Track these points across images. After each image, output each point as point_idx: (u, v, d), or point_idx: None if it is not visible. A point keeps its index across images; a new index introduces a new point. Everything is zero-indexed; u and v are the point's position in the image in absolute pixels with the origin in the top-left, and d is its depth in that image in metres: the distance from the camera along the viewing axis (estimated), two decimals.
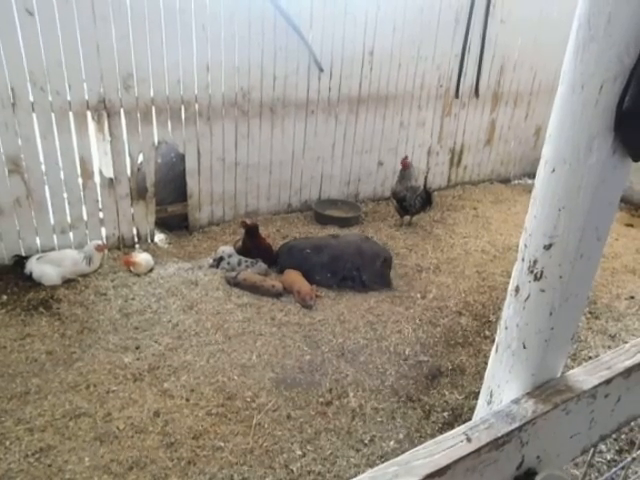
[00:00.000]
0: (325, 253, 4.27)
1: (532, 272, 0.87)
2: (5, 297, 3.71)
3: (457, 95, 6.28)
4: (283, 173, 5.45)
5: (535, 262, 0.86)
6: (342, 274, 4.20)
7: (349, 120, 5.64)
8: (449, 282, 4.40)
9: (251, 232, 4.39)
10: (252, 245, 4.39)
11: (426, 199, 5.37)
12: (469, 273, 4.58)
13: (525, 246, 0.88)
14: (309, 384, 3.09)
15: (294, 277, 4.14)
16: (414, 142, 6.26)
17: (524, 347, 0.90)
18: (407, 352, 3.44)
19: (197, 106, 4.60)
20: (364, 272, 4.18)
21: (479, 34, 6.08)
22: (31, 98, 3.81)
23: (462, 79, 6.21)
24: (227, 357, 3.27)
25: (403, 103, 5.93)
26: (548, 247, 0.84)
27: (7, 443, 2.54)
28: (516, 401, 0.87)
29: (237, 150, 5.03)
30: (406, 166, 5.42)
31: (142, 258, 4.21)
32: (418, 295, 4.16)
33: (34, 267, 3.88)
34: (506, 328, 0.93)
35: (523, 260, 0.89)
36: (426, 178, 6.43)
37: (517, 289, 0.90)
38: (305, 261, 4.28)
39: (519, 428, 0.82)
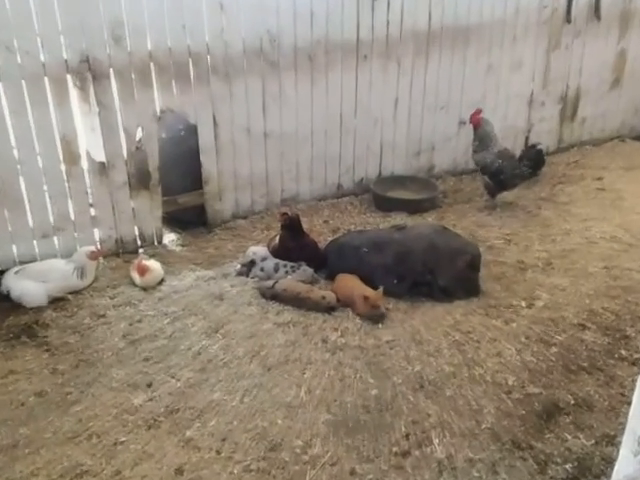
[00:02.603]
0: (388, 251, 4.28)
1: None
2: None
3: (568, 19, 6.17)
4: (329, 144, 5.51)
5: None
6: (412, 278, 4.22)
7: (416, 66, 5.64)
8: (565, 284, 4.33)
9: (292, 227, 4.45)
10: (294, 244, 4.46)
11: (536, 162, 5.33)
12: (594, 270, 4.50)
13: None
14: (378, 428, 3.11)
15: (351, 283, 4.18)
16: (508, 91, 6.20)
17: None
18: (510, 382, 3.42)
19: (210, 59, 4.71)
20: (441, 275, 4.19)
21: None
22: None
23: None
24: (267, 394, 3.33)
25: (491, 37, 5.88)
26: None
27: None
28: None
29: (266, 116, 5.12)
30: (478, 123, 5.37)
31: (151, 265, 4.36)
32: (522, 303, 4.12)
33: (11, 284, 4.07)
34: None
35: None
36: (527, 140, 6.36)
37: None
38: (361, 263, 4.30)
39: None
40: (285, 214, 4.44)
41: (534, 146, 5.44)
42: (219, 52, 4.72)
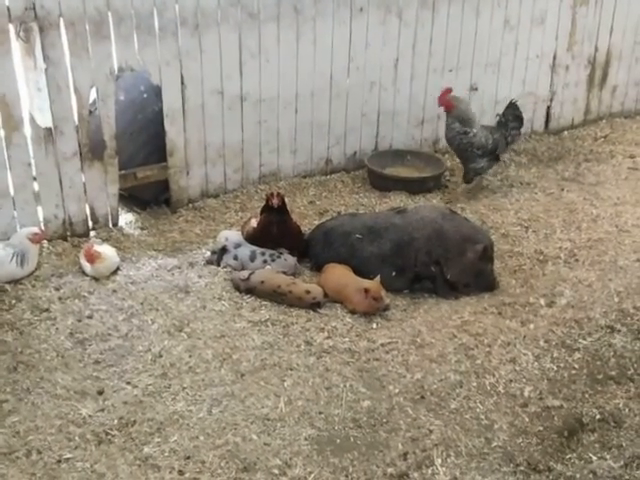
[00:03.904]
0: (386, 239, 4.27)
1: None
2: None
3: None
4: (317, 111, 5.47)
5: None
6: (414, 271, 4.21)
7: (421, 19, 5.60)
8: (592, 279, 4.34)
9: (280, 210, 4.41)
10: (279, 230, 4.42)
11: (520, 119, 5.52)
12: (625, 263, 4.51)
13: None
14: (370, 446, 3.10)
15: (342, 275, 4.16)
16: (527, 51, 6.19)
17: None
18: (527, 393, 3.41)
19: (177, 8, 4.65)
20: (449, 267, 4.18)
21: None
22: None
23: None
24: (240, 405, 3.30)
25: None
26: None
27: None
28: None
29: (243, 77, 5.07)
30: (449, 105, 5.30)
31: (103, 251, 4.30)
32: (542, 301, 4.12)
33: None
34: None
35: None
36: (549, 110, 6.36)
37: None
38: (354, 252, 4.28)
39: None
40: (278, 195, 4.39)
41: (511, 103, 5.50)
42: (189, 1, 4.67)
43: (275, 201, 4.35)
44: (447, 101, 5.31)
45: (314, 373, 3.52)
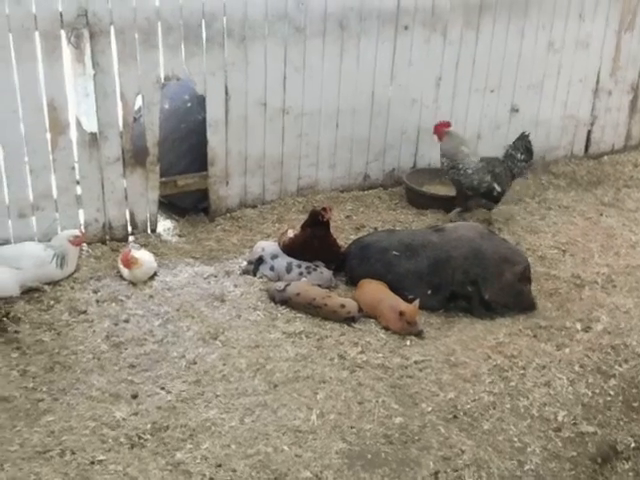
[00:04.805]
0: (423, 257, 4.25)
1: None
2: None
3: None
4: (357, 126, 5.49)
5: None
6: (450, 289, 4.19)
7: (465, 40, 5.61)
8: (629, 305, 4.30)
9: (324, 225, 4.42)
10: (320, 244, 4.43)
11: (530, 152, 5.33)
12: None
13: None
14: (401, 463, 3.07)
15: (378, 291, 4.15)
16: (570, 74, 6.16)
17: None
18: (560, 418, 3.37)
19: (225, 20, 4.70)
20: (486, 287, 4.15)
21: None
22: None
23: None
24: (272, 415, 3.30)
25: (554, 9, 5.85)
26: None
27: None
28: None
29: (286, 90, 5.10)
30: (440, 134, 5.20)
31: (140, 257, 4.34)
32: (577, 325, 4.08)
33: None
34: None
35: None
36: (589, 135, 6.32)
37: None
38: (390, 268, 4.27)
39: None
40: (330, 209, 4.40)
41: (523, 135, 5.34)
42: (237, 13, 4.71)
43: (328, 216, 4.37)
44: (440, 132, 5.21)
45: (347, 387, 3.50)
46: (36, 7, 4.10)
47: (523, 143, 5.32)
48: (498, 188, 5.13)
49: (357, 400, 3.42)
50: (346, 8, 5.06)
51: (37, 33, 4.15)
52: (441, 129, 5.20)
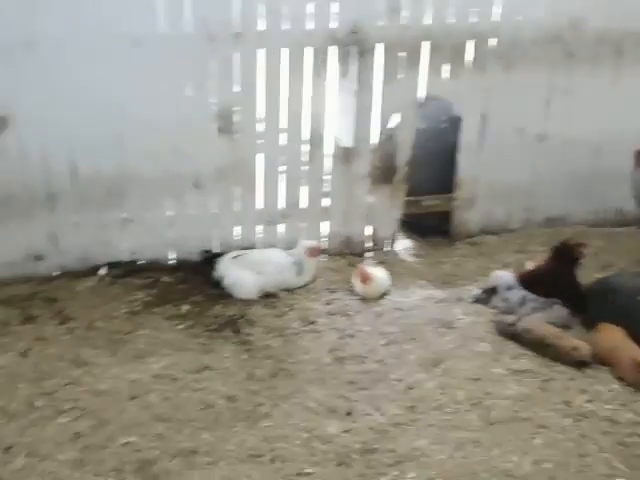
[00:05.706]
0: None
1: None
2: (187, 307, 4.25)
3: None
4: (621, 158, 5.07)
5: None
6: None
7: None
8: None
9: (575, 262, 4.26)
10: (561, 281, 4.25)
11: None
12: None
13: None
14: None
15: (617, 337, 3.89)
16: None
17: None
18: None
19: (495, 42, 4.65)
20: None
21: None
22: (261, 26, 4.28)
23: None
24: (484, 454, 3.19)
25: None
26: None
27: None
28: None
29: (548, 115, 4.93)
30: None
31: (376, 274, 4.41)
32: None
33: (227, 270, 4.36)
34: None
35: None
36: None
37: None
38: (633, 314, 3.97)
39: None
40: (586, 246, 4.29)
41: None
42: (506, 34, 4.64)
43: (585, 252, 4.23)
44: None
45: (568, 436, 3.30)
46: (313, 23, 4.33)
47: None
48: None
49: (577, 452, 3.21)
50: (621, 32, 4.79)
51: (309, 49, 4.38)
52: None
